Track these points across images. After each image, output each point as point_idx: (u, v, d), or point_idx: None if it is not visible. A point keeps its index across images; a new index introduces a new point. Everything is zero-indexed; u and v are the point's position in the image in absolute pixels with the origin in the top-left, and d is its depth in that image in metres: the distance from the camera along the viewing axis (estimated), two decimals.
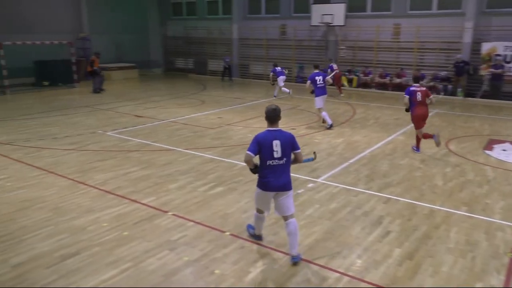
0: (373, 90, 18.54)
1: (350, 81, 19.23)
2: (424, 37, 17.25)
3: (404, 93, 8.95)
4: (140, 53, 25.52)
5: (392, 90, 18.00)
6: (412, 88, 8.73)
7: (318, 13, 19.20)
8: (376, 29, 18.28)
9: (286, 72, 17.10)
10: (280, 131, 4.63)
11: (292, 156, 4.71)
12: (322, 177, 7.50)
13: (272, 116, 4.63)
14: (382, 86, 18.44)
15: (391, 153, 9.10)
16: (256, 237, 5.19)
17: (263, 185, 4.65)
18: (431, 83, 16.98)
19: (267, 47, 21.93)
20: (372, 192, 6.82)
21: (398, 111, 13.49)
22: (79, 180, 7.23)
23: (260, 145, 4.55)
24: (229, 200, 6.45)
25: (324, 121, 11.39)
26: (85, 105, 14.63)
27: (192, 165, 8.12)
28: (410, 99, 8.71)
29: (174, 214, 5.91)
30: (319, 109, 11.34)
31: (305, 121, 12.32)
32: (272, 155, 4.54)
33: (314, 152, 5.62)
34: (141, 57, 25.53)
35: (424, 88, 8.75)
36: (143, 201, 6.35)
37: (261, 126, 11.52)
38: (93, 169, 7.83)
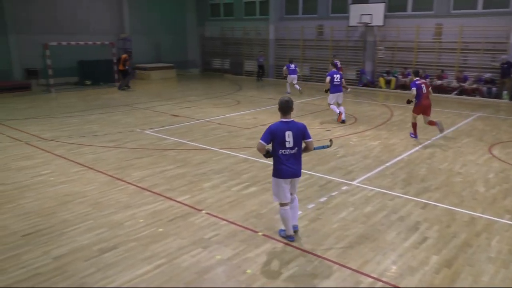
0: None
1: (388, 83, 18.82)
2: (467, 37, 16.65)
3: (410, 86, 10.05)
4: (178, 53, 26.04)
5: (432, 92, 17.43)
6: (418, 82, 9.74)
7: (357, 13, 18.91)
8: (417, 29, 17.79)
9: (299, 71, 17.76)
10: (292, 122, 4.93)
11: (304, 144, 5.02)
12: (357, 180, 7.38)
13: (285, 107, 4.91)
14: None
15: (429, 157, 8.83)
16: (289, 238, 5.23)
17: (277, 172, 4.96)
18: (474, 85, 16.35)
19: (304, 47, 21.82)
20: (409, 197, 6.65)
21: (439, 113, 13.08)
22: (117, 176, 7.47)
23: (273, 135, 4.85)
24: (262, 200, 6.47)
25: (342, 120, 11.96)
26: (125, 104, 15.09)
27: (226, 164, 8.20)
28: (417, 92, 9.70)
29: (207, 213, 5.99)
30: (329, 104, 12.11)
31: (340, 122, 12.14)
32: (285, 145, 4.86)
33: (330, 140, 5.81)
34: (179, 58, 26.04)
35: (426, 81, 9.97)
36: (178, 199, 6.47)
37: None
38: (130, 166, 8.06)
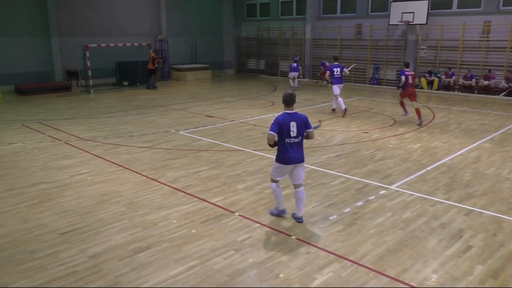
0: (456, 92, 17.45)
1: (430, 83, 18.27)
2: None
3: (400, 74, 11.89)
4: (214, 54, 26.38)
5: (478, 93, 16.80)
6: (406, 73, 11.66)
7: (398, 11, 18.50)
8: (463, 27, 17.17)
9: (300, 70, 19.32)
10: (296, 113, 5.50)
11: (305, 134, 5.61)
12: (396, 184, 7.20)
13: (289, 100, 5.47)
14: (467, 89, 17.29)
15: (474, 161, 8.50)
16: (281, 212, 5.85)
17: (283, 160, 5.53)
18: None
19: (341, 47, 21.56)
20: (452, 203, 6.41)
21: (486, 115, 12.57)
22: (152, 177, 7.64)
23: (280, 126, 5.40)
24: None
25: (343, 112, 13.05)
26: (160, 104, 15.43)
27: (260, 166, 8.21)
28: (405, 81, 11.61)
29: (240, 215, 6.01)
30: (336, 96, 13.12)
31: (379, 124, 11.92)
32: (290, 134, 5.43)
33: (320, 120, 6.68)
34: (215, 58, 26.37)
35: (413, 72, 11.99)
36: (211, 200, 6.54)
37: (331, 128, 11.36)
38: (165, 167, 8.22)
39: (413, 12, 18.05)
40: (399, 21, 18.48)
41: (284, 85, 21.00)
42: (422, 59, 18.86)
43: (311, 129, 5.61)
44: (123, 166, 8.26)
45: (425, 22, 17.99)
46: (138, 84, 20.62)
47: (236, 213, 6.07)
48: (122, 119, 12.94)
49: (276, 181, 5.78)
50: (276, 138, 5.47)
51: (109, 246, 5.16)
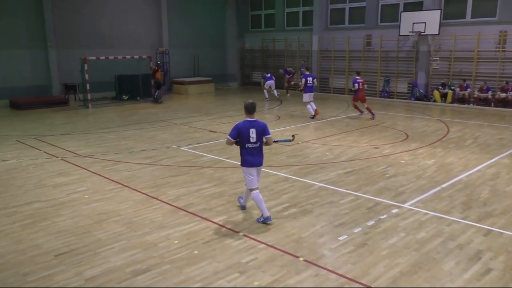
0: (472, 106, 17.44)
1: (443, 96, 18.28)
2: None
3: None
4: (217, 66, 26.60)
5: (495, 106, 16.78)
6: (358, 80, 14.69)
7: (409, 22, 18.63)
8: (477, 37, 17.26)
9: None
10: (256, 121, 6.27)
11: (264, 140, 6.34)
12: (409, 203, 7.15)
13: (250, 108, 6.22)
14: (483, 102, 17.27)
15: (492, 178, 8.44)
16: (267, 219, 6.31)
17: (247, 162, 6.29)
18: None
19: (350, 59, 21.69)
20: (469, 222, 6.35)
21: (504, 130, 12.53)
22: (152, 195, 7.64)
23: (240, 132, 6.16)
24: (303, 223, 6.39)
25: (313, 116, 15.28)
26: (161, 119, 15.52)
27: (265, 183, 8.20)
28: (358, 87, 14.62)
29: (245, 235, 5.98)
30: (305, 103, 15.31)
31: (390, 139, 11.91)
32: (249, 140, 6.19)
33: (293, 135, 7.33)
34: (218, 71, 26.58)
35: (363, 80, 15.01)
36: (214, 220, 6.52)
37: (340, 144, 11.36)
38: (166, 184, 8.23)
39: (425, 22, 18.17)
40: (410, 32, 18.60)
41: (291, 99, 21.10)
42: (435, 70, 18.92)
43: (270, 136, 6.36)
44: (122, 184, 8.27)
45: (437, 33, 18.09)
46: (138, 98, 20.79)
47: (241, 233, 6.04)
48: (122, 134, 13.01)
49: (255, 189, 6.36)
50: (235, 143, 6.31)
51: (107, 268, 5.13)
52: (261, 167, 6.46)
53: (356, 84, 14.61)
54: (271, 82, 20.39)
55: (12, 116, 16.58)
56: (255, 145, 6.26)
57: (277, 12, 25.17)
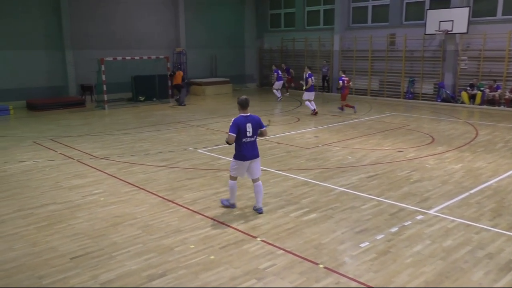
0: (502, 107, 17.11)
1: (472, 97, 17.96)
2: None
3: None
4: (235, 67, 26.73)
5: None
6: (344, 78, 16.40)
7: (435, 20, 18.39)
8: (508, 36, 16.93)
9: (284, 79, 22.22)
10: (251, 115, 6.77)
11: (259, 131, 6.83)
12: (435, 209, 7.05)
13: (245, 104, 6.75)
14: None
15: None
16: (231, 205, 7.01)
17: (241, 157, 6.71)
18: None
19: (373, 59, 21.52)
20: (500, 230, 6.22)
21: None
22: (168, 198, 7.71)
23: (239, 127, 6.56)
24: (323, 228, 6.36)
25: (314, 113, 16.44)
26: (178, 121, 15.65)
27: (284, 187, 8.19)
28: (342, 84, 16.31)
29: (263, 240, 5.98)
30: (305, 100, 16.67)
31: (415, 142, 11.76)
32: (246, 134, 6.64)
33: (269, 120, 7.81)
34: (236, 72, 26.70)
35: (347, 78, 16.64)
36: (231, 224, 6.54)
37: (362, 147, 11.27)
38: (182, 187, 8.29)
39: (452, 20, 17.91)
40: (436, 30, 18.35)
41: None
42: (463, 71, 18.62)
43: (264, 128, 6.88)
44: (138, 186, 8.36)
45: (465, 31, 17.81)
46: (155, 99, 21.02)
47: (258, 238, 6.04)
48: (138, 136, 13.17)
49: (235, 179, 6.95)
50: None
51: (122, 272, 5.19)
52: (259, 158, 6.90)
53: (341, 82, 16.30)
54: (280, 83, 21.02)
55: (28, 117, 16.95)
56: (251, 139, 6.71)
57: (297, 11, 25.16)
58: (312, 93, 16.47)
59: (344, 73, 16.60)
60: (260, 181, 6.92)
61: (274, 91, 20.94)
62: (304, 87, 16.49)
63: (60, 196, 7.86)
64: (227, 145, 6.73)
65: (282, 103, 20.02)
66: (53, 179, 8.87)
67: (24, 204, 7.47)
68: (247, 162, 6.78)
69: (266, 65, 27.12)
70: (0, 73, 18.47)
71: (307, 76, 16.36)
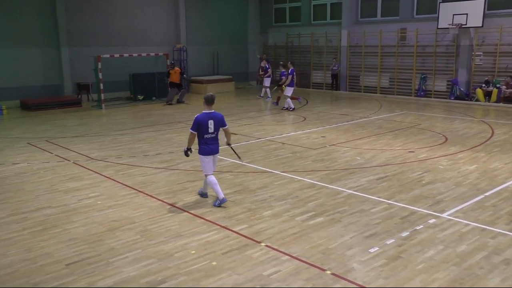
0: None
1: (487, 95, 17.91)
2: None
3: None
4: (237, 64, 26.75)
5: None
6: (286, 73, 17.17)
7: (448, 13, 18.38)
8: None
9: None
10: (214, 112, 7.33)
11: (222, 131, 7.48)
12: (448, 212, 7.04)
13: (210, 100, 7.29)
14: None
15: None
16: (223, 200, 7.36)
17: (204, 151, 7.36)
18: None
19: (382, 55, 21.49)
20: None
21: None
22: (168, 201, 7.73)
23: (200, 124, 7.18)
24: (331, 233, 6.36)
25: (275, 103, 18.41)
26: (178, 120, 15.69)
27: (289, 190, 8.19)
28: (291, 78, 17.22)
29: (267, 245, 5.99)
30: (286, 96, 17.29)
31: (427, 142, 11.74)
32: (208, 130, 7.26)
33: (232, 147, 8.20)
34: (239, 69, 26.72)
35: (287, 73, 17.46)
36: (234, 229, 6.55)
37: (372, 147, 11.26)
38: (183, 190, 8.31)
39: (466, 14, 17.87)
40: (449, 24, 18.31)
41: (316, 98, 21.04)
42: (478, 67, 18.57)
43: (226, 127, 7.52)
44: (136, 189, 8.39)
45: (480, 25, 17.77)
46: (154, 98, 21.07)
47: (262, 244, 6.05)
48: (136, 136, 13.21)
49: (211, 175, 7.41)
50: (191, 150, 7.45)
51: (120, 279, 5.21)
52: (217, 154, 7.58)
53: (290, 76, 17.15)
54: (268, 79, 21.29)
55: (22, 117, 17.04)
56: (212, 135, 7.32)
57: (303, 4, 25.17)
58: (292, 88, 17.32)
59: (284, 68, 17.55)
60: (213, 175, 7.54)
61: (268, 90, 21.00)
62: (280, 83, 17.59)
63: (56, 200, 7.89)
64: (185, 154, 7.49)
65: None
66: (48, 182, 8.91)
67: (18, 208, 7.51)
68: (211, 157, 7.41)
69: (271, 62, 27.03)
70: None
71: (289, 72, 17.18)
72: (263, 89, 21.21)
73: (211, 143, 7.34)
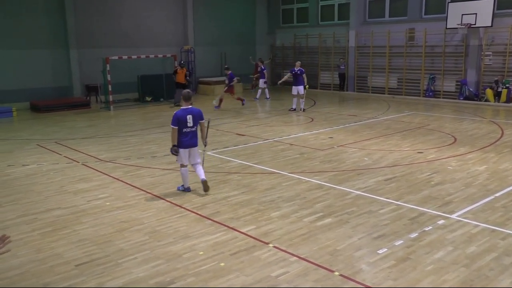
0: None
1: (497, 95, 17.77)
2: None
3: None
4: (245, 65, 26.70)
5: None
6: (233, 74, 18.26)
7: (457, 13, 18.26)
8: None
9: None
10: (191, 108, 7.90)
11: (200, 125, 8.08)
12: (457, 213, 6.99)
13: (187, 97, 7.86)
14: None
15: None
16: (186, 189, 8.12)
17: (182, 144, 7.83)
18: None
19: (390, 55, 21.41)
20: None
21: None
22: (176, 202, 7.75)
23: (179, 119, 7.71)
24: (339, 234, 6.34)
25: (302, 109, 17.38)
26: None
27: (297, 191, 8.19)
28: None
29: (275, 247, 5.99)
30: (293, 95, 17.44)
31: (435, 143, 11.68)
32: (187, 125, 7.79)
33: (209, 119, 8.93)
34: (246, 70, 26.67)
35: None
36: (242, 230, 6.55)
37: (380, 148, 11.21)
38: (191, 191, 8.32)
39: (475, 13, 17.75)
40: (458, 24, 18.20)
41: (324, 99, 21.00)
42: (487, 67, 18.43)
43: (203, 121, 8.08)
44: (145, 190, 8.43)
45: (490, 24, 17.64)
46: (162, 99, 21.15)
47: (270, 245, 6.05)
48: (145, 138, 13.26)
49: (185, 166, 8.02)
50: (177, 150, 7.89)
51: (129, 279, 5.24)
52: (197, 147, 8.07)
53: (235, 79, 18.23)
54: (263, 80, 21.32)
55: (32, 119, 17.17)
56: (191, 129, 7.87)
57: (310, 5, 25.14)
58: (295, 87, 17.40)
59: (228, 70, 18.50)
60: (198, 165, 8.12)
61: (266, 90, 21.15)
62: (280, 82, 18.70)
63: (65, 201, 7.95)
64: (171, 152, 7.89)
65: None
66: (58, 183, 8.98)
67: (28, 209, 7.57)
68: (187, 150, 7.90)
69: (279, 63, 27.11)
70: (3, 74, 18.67)
71: (290, 70, 17.94)
72: (259, 90, 21.18)
73: (189, 137, 7.83)
